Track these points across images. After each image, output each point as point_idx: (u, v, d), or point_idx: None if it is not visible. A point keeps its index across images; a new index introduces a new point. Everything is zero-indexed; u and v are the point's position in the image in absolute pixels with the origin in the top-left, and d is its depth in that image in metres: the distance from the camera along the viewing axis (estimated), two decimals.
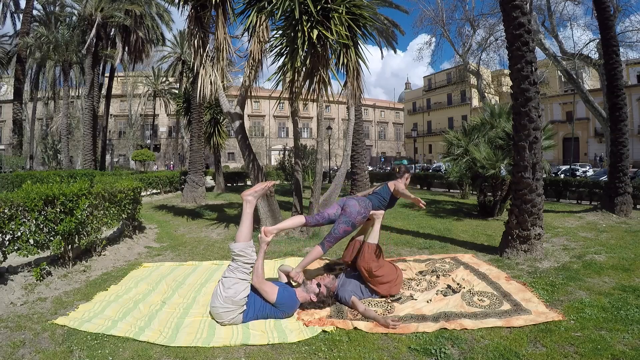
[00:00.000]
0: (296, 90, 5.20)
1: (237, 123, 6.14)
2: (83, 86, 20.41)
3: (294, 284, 3.15)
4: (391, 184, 3.64)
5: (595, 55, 15.26)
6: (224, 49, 5.85)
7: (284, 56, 4.99)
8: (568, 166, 21.96)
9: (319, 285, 2.94)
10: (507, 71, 5.19)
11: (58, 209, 3.66)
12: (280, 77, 5.21)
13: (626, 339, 2.34)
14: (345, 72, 5.13)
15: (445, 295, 3.16)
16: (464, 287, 3.33)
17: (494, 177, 7.38)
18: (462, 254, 4.61)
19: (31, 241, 3.41)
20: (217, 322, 2.70)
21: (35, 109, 29.15)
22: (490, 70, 25.48)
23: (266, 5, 5.24)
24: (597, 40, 14.07)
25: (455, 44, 19.96)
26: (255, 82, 6.11)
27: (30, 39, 18.38)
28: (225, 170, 23.42)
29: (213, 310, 2.70)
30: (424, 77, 50.37)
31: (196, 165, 11.96)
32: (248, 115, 41.57)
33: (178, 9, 6.28)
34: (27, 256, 3.40)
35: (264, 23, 5.51)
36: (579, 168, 21.70)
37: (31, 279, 3.36)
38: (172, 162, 39.05)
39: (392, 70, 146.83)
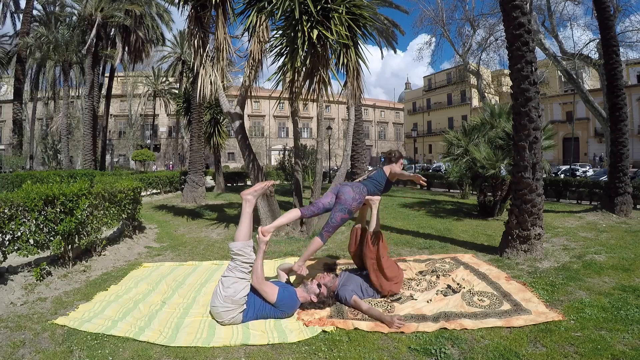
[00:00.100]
0: (296, 90, 5.20)
1: (237, 123, 6.14)
2: (83, 86, 20.42)
3: (294, 278, 3.14)
4: (387, 168, 3.59)
5: (595, 55, 15.26)
6: (224, 49, 5.85)
7: (284, 56, 4.99)
8: (568, 166, 21.96)
9: (319, 285, 2.94)
10: (507, 71, 5.19)
11: (58, 209, 3.66)
12: (280, 77, 5.21)
13: (626, 339, 2.34)
14: (345, 72, 5.14)
15: (445, 295, 3.16)
16: (464, 287, 3.33)
17: (494, 177, 7.38)
18: (462, 254, 4.61)
19: (31, 241, 3.41)
20: (217, 321, 2.70)
21: (35, 109, 29.16)
22: (490, 70, 25.48)
23: (266, 5, 5.24)
24: (597, 40, 14.07)
25: (455, 44, 19.97)
26: (255, 82, 6.11)
27: (30, 39, 18.38)
28: (225, 170, 23.42)
29: (213, 309, 2.70)
30: (424, 77, 50.44)
31: (196, 165, 11.96)
32: (248, 115, 41.57)
33: (178, 9, 6.28)
34: (27, 256, 3.40)
35: (264, 23, 5.51)
36: (579, 168, 21.70)
37: (31, 279, 3.36)
38: (171, 162, 39.04)
39: (392, 70, 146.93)
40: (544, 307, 2.85)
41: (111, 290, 3.36)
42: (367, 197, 3.37)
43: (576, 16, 40.14)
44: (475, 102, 38.91)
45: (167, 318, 2.77)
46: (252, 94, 6.42)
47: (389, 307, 2.97)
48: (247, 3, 5.65)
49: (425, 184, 3.49)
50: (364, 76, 5.41)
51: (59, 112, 27.48)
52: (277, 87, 5.37)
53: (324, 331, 2.55)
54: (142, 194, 8.87)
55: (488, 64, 20.16)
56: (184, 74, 22.57)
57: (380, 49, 14.75)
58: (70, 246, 3.88)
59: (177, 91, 24.18)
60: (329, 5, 4.59)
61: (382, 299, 3.15)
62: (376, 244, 3.15)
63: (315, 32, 4.46)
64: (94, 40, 16.53)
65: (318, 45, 4.73)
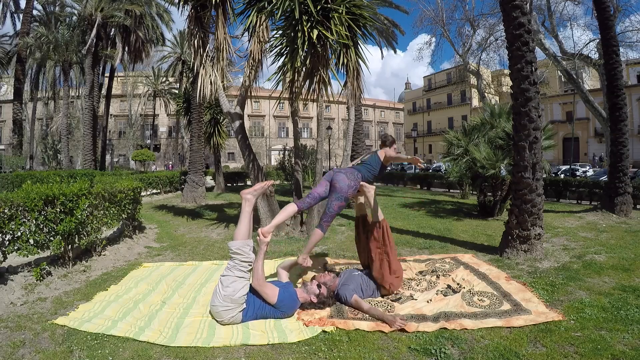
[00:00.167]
0: (296, 90, 5.20)
1: (237, 123, 6.14)
2: (83, 86, 20.43)
3: (297, 273, 3.15)
4: (381, 152, 3.55)
5: (595, 55, 15.26)
6: (224, 49, 5.85)
7: (284, 56, 4.99)
8: (568, 166, 21.96)
9: (319, 286, 2.94)
10: (507, 71, 5.19)
11: (58, 209, 3.66)
12: (280, 77, 5.21)
13: (626, 339, 2.34)
14: (345, 72, 5.14)
15: (445, 295, 3.16)
16: (464, 287, 3.33)
17: (494, 177, 7.38)
18: (462, 254, 4.61)
19: (31, 241, 3.41)
20: (217, 321, 2.70)
21: (35, 109, 29.16)
22: (490, 70, 25.48)
23: (266, 5, 5.24)
24: (597, 40, 14.07)
25: (455, 44, 19.97)
26: (255, 82, 6.11)
27: (30, 39, 18.38)
28: (225, 170, 23.42)
29: (213, 309, 2.71)
30: (424, 77, 50.42)
31: (196, 165, 11.96)
32: (248, 115, 41.57)
33: (178, 9, 6.28)
34: (27, 256, 3.40)
35: (264, 23, 5.51)
36: (579, 168, 21.70)
37: (31, 279, 3.36)
38: (171, 162, 39.02)
39: (392, 70, 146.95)
40: (544, 307, 2.85)
41: (111, 290, 3.36)
42: (361, 183, 3.36)
43: (576, 16, 40.18)
44: (475, 102, 38.90)
45: (167, 318, 2.77)
46: (252, 94, 6.42)
47: (389, 307, 2.97)
48: (247, 3, 5.65)
49: (423, 166, 3.44)
50: (364, 76, 5.41)
51: (59, 112, 27.49)
52: (277, 87, 5.37)
53: (324, 331, 2.55)
54: (142, 194, 8.87)
55: (488, 64, 20.17)
56: (184, 74, 22.57)
57: (380, 49, 14.74)
58: (70, 246, 3.88)
59: (177, 91, 24.18)
60: (329, 5, 4.59)
61: (382, 298, 3.16)
62: (381, 232, 3.16)
63: (315, 32, 4.46)
64: (94, 40, 16.53)
65: (318, 45, 4.73)
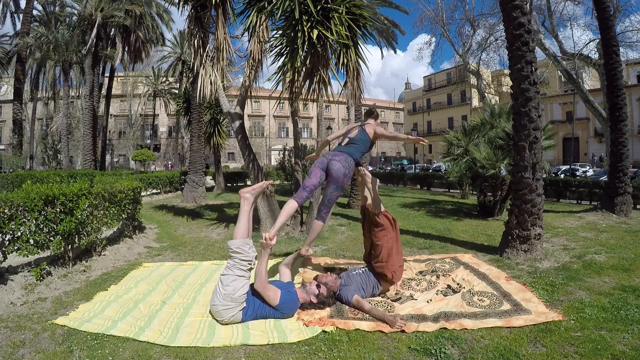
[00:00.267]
0: (296, 90, 5.20)
1: (237, 123, 6.14)
2: (83, 86, 20.44)
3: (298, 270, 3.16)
4: (369, 128, 3.45)
5: (595, 55, 15.25)
6: (224, 49, 5.85)
7: (284, 56, 4.99)
8: (568, 166, 21.96)
9: (318, 286, 2.95)
10: (507, 71, 5.19)
11: (58, 209, 3.66)
12: (280, 77, 5.20)
13: (626, 339, 2.34)
14: (345, 72, 5.13)
15: (445, 295, 3.16)
16: (464, 287, 3.33)
17: (494, 177, 7.38)
18: (462, 254, 4.61)
19: (31, 241, 3.41)
20: (217, 320, 2.70)
21: (35, 109, 29.17)
22: (490, 70, 25.46)
23: (266, 5, 5.24)
24: (597, 40, 14.06)
25: (455, 44, 19.96)
26: (255, 82, 6.10)
27: (30, 39, 18.38)
28: (225, 170, 23.43)
29: (213, 308, 2.71)
30: (424, 77, 50.37)
31: (196, 165, 11.97)
32: (248, 115, 41.56)
33: (178, 9, 6.28)
34: (27, 256, 3.40)
35: (264, 23, 5.51)
36: (579, 168, 21.70)
37: (31, 279, 3.36)
38: (170, 162, 39.02)
39: (392, 70, 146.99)
40: (544, 307, 2.85)
41: (111, 290, 3.36)
42: (363, 173, 3.37)
43: (576, 16, 40.17)
44: (475, 102, 38.89)
45: (167, 318, 2.77)
46: (252, 94, 6.42)
47: (389, 307, 2.97)
48: (247, 3, 5.65)
49: (426, 142, 3.38)
50: (364, 76, 5.40)
51: (59, 112, 27.50)
52: (277, 87, 5.37)
53: (324, 331, 2.55)
54: (142, 194, 8.87)
55: (488, 64, 20.16)
56: (184, 74, 22.57)
57: (380, 49, 14.72)
58: (70, 246, 3.88)
59: (177, 91, 24.19)
60: (329, 5, 4.59)
61: (382, 298, 3.16)
62: (384, 219, 3.19)
63: (315, 32, 4.45)
64: (94, 40, 16.53)
65: (318, 45, 4.72)
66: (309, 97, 5.38)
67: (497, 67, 22.63)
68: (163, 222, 7.41)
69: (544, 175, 7.18)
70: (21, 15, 19.55)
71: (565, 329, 2.52)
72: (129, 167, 33.16)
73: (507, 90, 28.35)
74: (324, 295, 2.92)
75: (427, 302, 3.03)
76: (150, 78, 35.68)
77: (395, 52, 22.76)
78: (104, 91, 21.54)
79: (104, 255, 4.47)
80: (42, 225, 3.52)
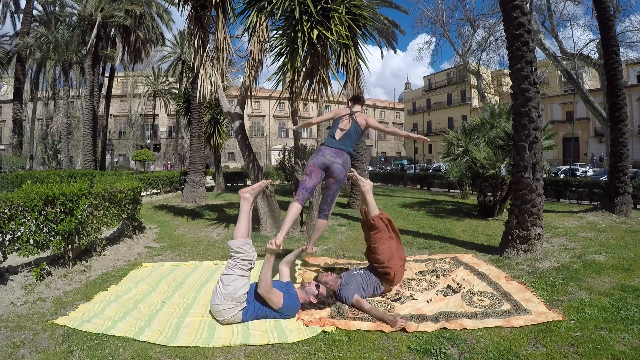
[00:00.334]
0: (296, 90, 5.20)
1: (237, 123, 6.14)
2: (83, 86, 20.46)
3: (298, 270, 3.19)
4: (360, 119, 3.44)
5: (595, 55, 15.25)
6: (224, 49, 5.85)
7: (284, 56, 4.99)
8: (568, 166, 21.96)
9: (317, 286, 2.95)
10: (507, 71, 5.19)
11: (58, 209, 3.66)
12: (280, 77, 5.21)
13: (626, 339, 2.34)
14: (345, 72, 5.14)
15: (445, 295, 3.16)
16: (464, 287, 3.33)
17: (494, 177, 7.38)
18: (462, 254, 4.61)
19: (31, 241, 3.40)
20: (217, 320, 2.70)
21: (35, 109, 29.17)
22: (490, 70, 25.46)
23: (266, 5, 5.24)
24: (597, 40, 14.05)
25: (455, 44, 19.95)
26: (255, 82, 6.10)
27: (30, 39, 18.38)
28: (225, 170, 23.43)
29: (213, 307, 2.71)
30: (424, 77, 50.38)
31: (196, 165, 11.96)
32: (248, 115, 41.56)
33: (178, 9, 6.28)
34: (27, 256, 3.40)
35: (264, 23, 5.51)
36: (579, 168, 21.70)
37: (31, 279, 3.36)
38: (169, 162, 39.01)
39: (392, 70, 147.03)
40: (544, 307, 2.85)
41: (111, 290, 3.36)
42: (355, 179, 3.45)
43: (576, 16, 40.14)
44: (475, 102, 38.89)
45: (167, 318, 2.77)
46: (252, 94, 6.42)
47: (389, 307, 2.97)
48: (247, 3, 5.65)
49: (428, 140, 3.47)
50: (364, 76, 5.41)
51: (59, 112, 27.49)
52: (277, 87, 5.37)
53: (324, 331, 2.55)
54: (142, 194, 8.86)
55: (488, 64, 20.15)
56: (184, 74, 22.57)
57: (380, 49, 14.72)
58: (70, 246, 3.88)
59: (177, 91, 24.19)
60: (329, 5, 4.59)
61: (382, 298, 3.15)
62: (380, 222, 3.21)
63: (315, 32, 4.46)
64: (94, 41, 16.53)
65: (318, 45, 4.73)
66: (309, 97, 5.38)
67: (497, 67, 22.63)
68: (163, 222, 7.41)
69: (544, 175, 7.17)
70: (21, 15, 19.55)
71: (565, 329, 2.52)
72: (129, 167, 33.16)
73: (507, 90, 28.36)
74: (324, 295, 2.92)
75: (427, 302, 3.03)
76: (150, 78, 35.69)
77: (395, 52, 22.76)
78: (104, 91, 21.55)
79: (104, 255, 4.47)
80: (42, 225, 3.52)
